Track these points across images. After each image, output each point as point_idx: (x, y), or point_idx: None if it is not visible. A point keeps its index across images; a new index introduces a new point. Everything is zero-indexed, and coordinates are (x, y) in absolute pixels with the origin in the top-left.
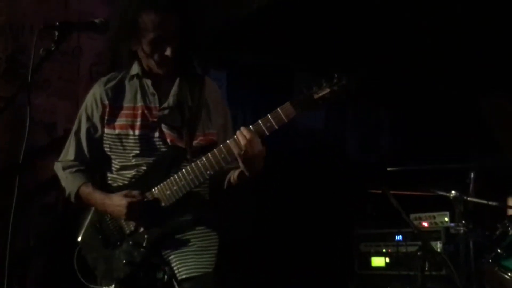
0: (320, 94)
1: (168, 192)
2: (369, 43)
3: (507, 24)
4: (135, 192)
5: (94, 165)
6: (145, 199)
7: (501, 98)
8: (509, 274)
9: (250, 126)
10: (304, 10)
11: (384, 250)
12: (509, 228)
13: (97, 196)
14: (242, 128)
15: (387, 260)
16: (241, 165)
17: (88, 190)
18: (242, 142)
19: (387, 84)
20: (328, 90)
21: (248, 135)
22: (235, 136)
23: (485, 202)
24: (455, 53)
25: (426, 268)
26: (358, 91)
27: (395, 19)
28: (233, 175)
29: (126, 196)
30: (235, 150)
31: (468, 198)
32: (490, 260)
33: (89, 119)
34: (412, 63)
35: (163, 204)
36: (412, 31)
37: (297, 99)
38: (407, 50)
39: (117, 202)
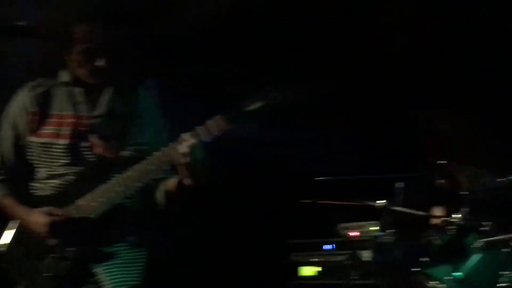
0: (252, 107)
1: (94, 204)
2: (305, 56)
3: (444, 41)
4: (57, 210)
5: (18, 174)
6: (68, 217)
7: (432, 114)
8: (434, 282)
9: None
10: (238, 21)
11: (314, 260)
12: (435, 238)
13: (19, 210)
14: (184, 135)
15: (317, 269)
16: (182, 173)
17: (9, 203)
18: (180, 150)
19: (319, 95)
20: (260, 103)
21: (186, 144)
22: (171, 144)
23: (411, 212)
24: (392, 68)
25: (355, 277)
26: (293, 106)
27: (332, 32)
28: (170, 185)
29: (47, 213)
30: (176, 157)
31: (396, 208)
32: (416, 269)
33: (14, 126)
34: (347, 75)
35: (89, 216)
36: (350, 46)
37: (228, 112)
38: (341, 62)
39: (38, 220)
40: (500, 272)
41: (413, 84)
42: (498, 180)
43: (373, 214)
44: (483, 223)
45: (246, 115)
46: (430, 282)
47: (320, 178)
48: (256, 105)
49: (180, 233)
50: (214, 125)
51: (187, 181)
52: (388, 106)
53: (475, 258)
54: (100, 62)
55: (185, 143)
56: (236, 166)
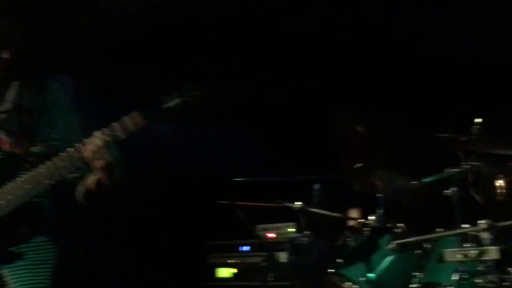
0: (170, 104)
1: (1, 202)
2: (222, 56)
3: (359, 44)
4: None
5: None
6: None
7: (348, 117)
8: (348, 283)
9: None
10: (155, 20)
11: (230, 261)
12: (350, 239)
13: None
14: (95, 133)
15: (233, 271)
16: (96, 171)
17: None
18: (93, 147)
19: (238, 97)
20: (178, 100)
21: (100, 141)
22: (84, 142)
23: (328, 213)
24: (306, 71)
25: (271, 279)
26: (211, 105)
27: (247, 34)
28: (89, 183)
29: None
30: (88, 154)
31: (312, 210)
32: (331, 270)
33: None
34: (262, 77)
35: None
36: (266, 48)
37: (145, 108)
38: (258, 64)
39: None
40: (412, 273)
41: (329, 87)
42: (412, 182)
43: (291, 216)
44: (397, 225)
45: (163, 112)
46: (344, 284)
47: (238, 179)
48: (173, 102)
49: (96, 233)
50: (130, 121)
51: (102, 179)
52: (306, 109)
53: (388, 260)
54: (5, 55)
55: (97, 140)
56: (154, 166)
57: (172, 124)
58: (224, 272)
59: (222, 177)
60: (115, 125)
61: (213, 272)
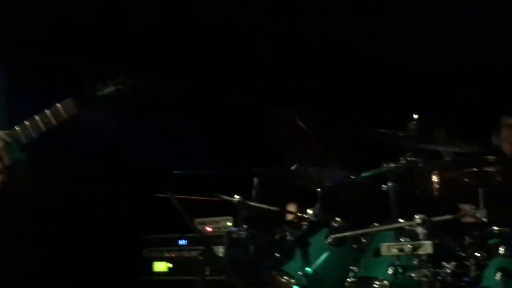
0: (105, 92)
1: None
2: (158, 47)
3: (294, 40)
4: None
5: None
6: None
7: (286, 111)
8: (286, 277)
9: (25, 121)
10: (91, 8)
11: (167, 255)
12: (287, 233)
13: None
14: None
15: (170, 265)
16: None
17: None
18: None
19: (177, 90)
20: (113, 88)
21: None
22: None
23: (266, 207)
24: (247, 66)
25: (208, 273)
26: (147, 95)
27: (185, 29)
28: None
29: None
30: None
31: (251, 203)
32: (269, 264)
33: None
34: (200, 70)
35: None
36: (204, 41)
37: (79, 95)
38: (196, 57)
39: None
40: (349, 267)
41: (268, 82)
42: (350, 177)
43: (229, 210)
44: (334, 219)
45: (97, 99)
46: (282, 278)
47: (177, 172)
48: (108, 90)
49: (28, 230)
50: (63, 108)
51: (4, 180)
52: (246, 102)
53: (325, 254)
54: None
55: None
56: (91, 159)
57: (109, 115)
58: (161, 266)
59: (160, 170)
60: (46, 112)
61: (150, 266)
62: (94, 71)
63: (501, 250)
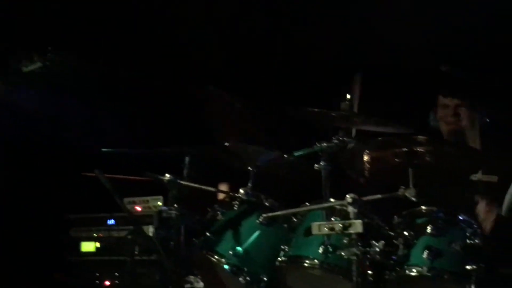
0: (30, 68)
1: None
2: (87, 25)
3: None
4: None
5: None
6: None
7: (218, 90)
8: (216, 257)
9: None
10: None
11: (95, 235)
12: (219, 213)
13: None
14: None
15: (98, 245)
16: None
17: None
18: None
19: (106, 68)
20: (39, 64)
21: None
22: None
23: (197, 186)
24: (178, 44)
25: (137, 253)
26: (76, 72)
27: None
28: None
29: None
30: None
31: (182, 182)
32: (200, 244)
33: None
34: (130, 48)
35: None
36: (134, 20)
37: (3, 70)
38: (128, 36)
39: None
40: (281, 246)
41: (199, 61)
42: (282, 156)
43: (159, 189)
44: (266, 198)
45: (23, 75)
46: (213, 258)
47: (105, 150)
48: (34, 66)
49: None
50: None
51: None
52: (177, 81)
53: (256, 233)
54: None
55: None
56: (16, 137)
57: (35, 91)
58: (89, 246)
59: (88, 148)
60: None
61: (77, 246)
62: (20, 46)
63: (429, 229)
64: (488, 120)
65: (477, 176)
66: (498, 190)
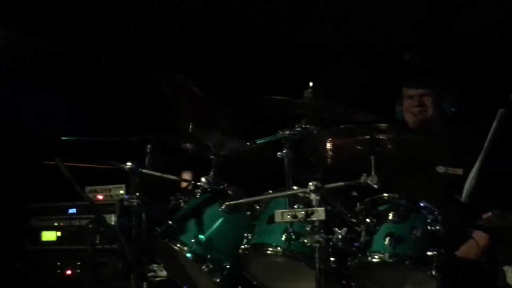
0: None
1: None
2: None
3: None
4: None
5: None
6: None
7: (180, 77)
8: (179, 245)
9: None
10: None
11: (56, 224)
12: (181, 201)
13: None
14: None
15: (59, 234)
16: None
17: None
18: None
19: (67, 53)
20: None
21: None
22: None
23: (160, 174)
24: (139, 30)
25: (98, 242)
26: (33, 55)
27: None
28: None
29: None
30: None
31: (144, 171)
32: (162, 233)
33: None
34: (91, 34)
35: None
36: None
37: None
38: (87, 20)
39: None
40: (244, 234)
41: (165, 48)
42: (245, 144)
43: (121, 177)
44: (228, 186)
45: None
46: (175, 246)
47: (66, 138)
48: None
49: None
50: None
51: None
52: (139, 67)
53: (219, 221)
54: None
55: None
56: None
57: None
58: (50, 235)
59: (49, 136)
60: None
61: (38, 236)
62: None
63: (390, 216)
64: (454, 109)
65: (442, 168)
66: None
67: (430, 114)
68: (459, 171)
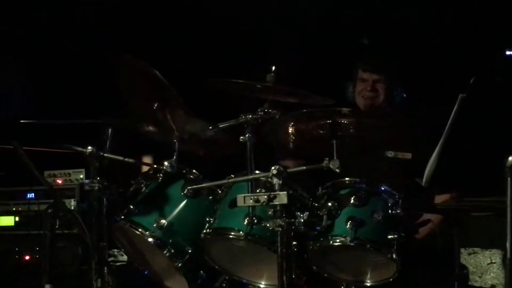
0: None
1: None
2: None
3: None
4: None
5: None
6: None
7: (139, 60)
8: (140, 230)
9: None
10: None
11: (14, 209)
12: (142, 185)
13: None
14: None
15: (17, 219)
16: None
17: None
18: None
19: (23, 36)
20: None
21: None
22: None
23: (121, 158)
24: (95, 12)
25: (57, 227)
26: None
27: None
28: None
29: None
30: None
31: (105, 154)
32: (122, 217)
33: None
34: (50, 16)
35: None
36: None
37: None
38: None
39: None
40: (206, 219)
41: (123, 31)
42: (207, 128)
43: (82, 161)
44: (190, 170)
45: None
46: (136, 231)
47: (24, 121)
48: None
49: None
50: None
51: None
52: (96, 48)
53: (181, 205)
54: None
55: None
56: None
57: None
58: (7, 220)
59: (5, 119)
60: None
61: None
62: None
63: (352, 200)
64: (405, 95)
65: (391, 153)
66: (414, 166)
67: (381, 100)
68: (408, 155)
